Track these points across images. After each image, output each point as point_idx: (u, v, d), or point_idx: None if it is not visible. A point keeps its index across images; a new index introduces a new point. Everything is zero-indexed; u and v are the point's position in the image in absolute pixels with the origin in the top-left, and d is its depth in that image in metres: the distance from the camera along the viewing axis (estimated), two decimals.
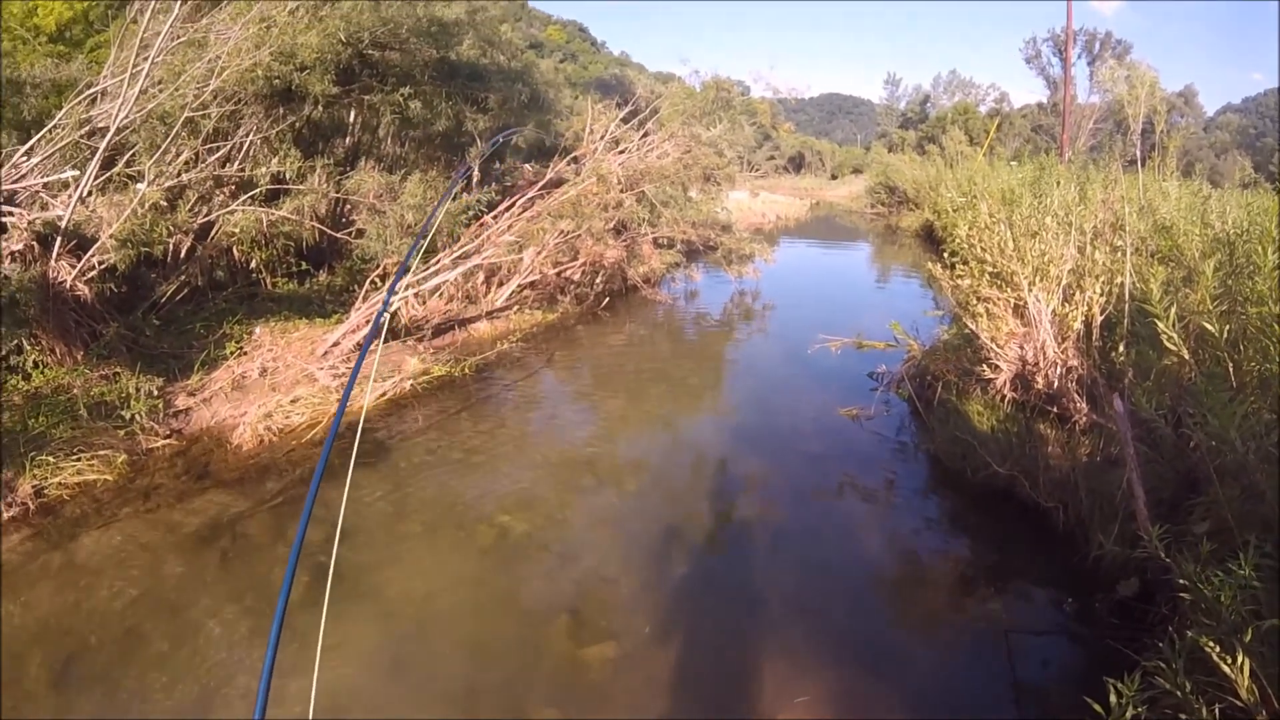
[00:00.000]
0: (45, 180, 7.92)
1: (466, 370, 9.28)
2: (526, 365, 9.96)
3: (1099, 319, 6.02)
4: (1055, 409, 6.04)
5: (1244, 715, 2.65)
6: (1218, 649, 2.67)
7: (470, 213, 10.99)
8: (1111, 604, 4.57)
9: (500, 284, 11.92)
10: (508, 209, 11.71)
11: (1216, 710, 2.69)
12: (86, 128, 8.17)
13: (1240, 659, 2.58)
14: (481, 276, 11.65)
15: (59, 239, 7.35)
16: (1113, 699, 2.63)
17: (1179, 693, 2.76)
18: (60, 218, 7.39)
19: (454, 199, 10.67)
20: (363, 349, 7.02)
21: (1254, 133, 69.87)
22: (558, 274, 12.36)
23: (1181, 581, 3.08)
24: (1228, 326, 4.22)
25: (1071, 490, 5.38)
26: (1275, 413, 3.44)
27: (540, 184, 12.37)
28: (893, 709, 3.99)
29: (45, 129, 8.24)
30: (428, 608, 4.79)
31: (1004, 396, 6.53)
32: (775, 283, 15.81)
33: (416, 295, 10.24)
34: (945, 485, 6.55)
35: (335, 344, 8.79)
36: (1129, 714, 2.59)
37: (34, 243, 7.20)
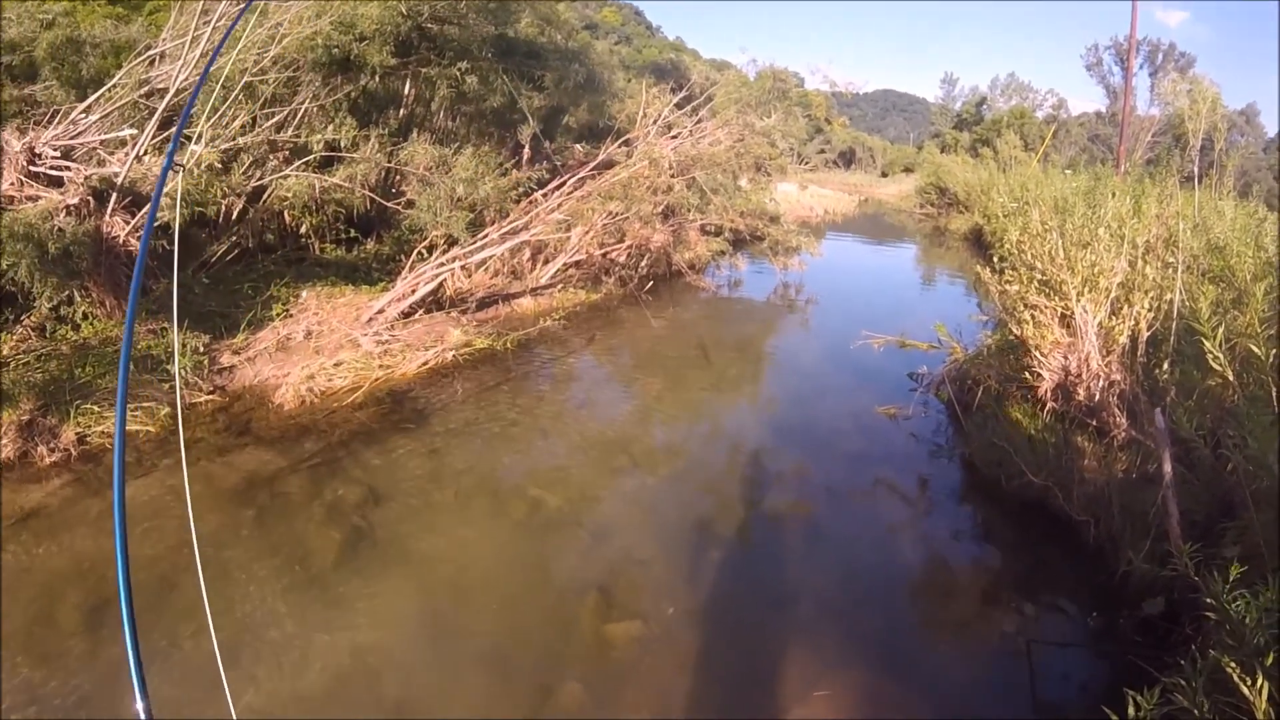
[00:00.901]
0: (103, 138, 8.08)
1: (508, 345, 9.35)
2: (567, 344, 10.01)
3: (1145, 334, 5.93)
4: (1094, 422, 5.96)
5: None
6: (1238, 670, 2.66)
7: (520, 189, 11.04)
8: (1136, 621, 4.53)
9: (546, 261, 11.98)
10: (557, 187, 11.77)
11: None
12: (145, 88, 8.32)
13: (1260, 682, 2.57)
14: (528, 253, 11.73)
15: (114, 195, 7.51)
16: (1130, 711, 2.62)
17: (1196, 710, 2.76)
18: (116, 174, 7.55)
19: (504, 175, 10.72)
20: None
21: None
22: (603, 255, 12.38)
23: (1208, 602, 3.06)
24: (1274, 351, 4.15)
25: (1104, 505, 5.32)
26: None
27: (591, 164, 12.41)
28: (912, 711, 4.00)
29: (104, 88, 8.40)
30: (459, 575, 4.87)
31: (1044, 406, 6.45)
32: (820, 277, 15.69)
33: (463, 268, 10.32)
34: (979, 491, 6.51)
35: (380, 311, 8.90)
36: None
37: (89, 197, 7.36)
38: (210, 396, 7.11)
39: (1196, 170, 7.79)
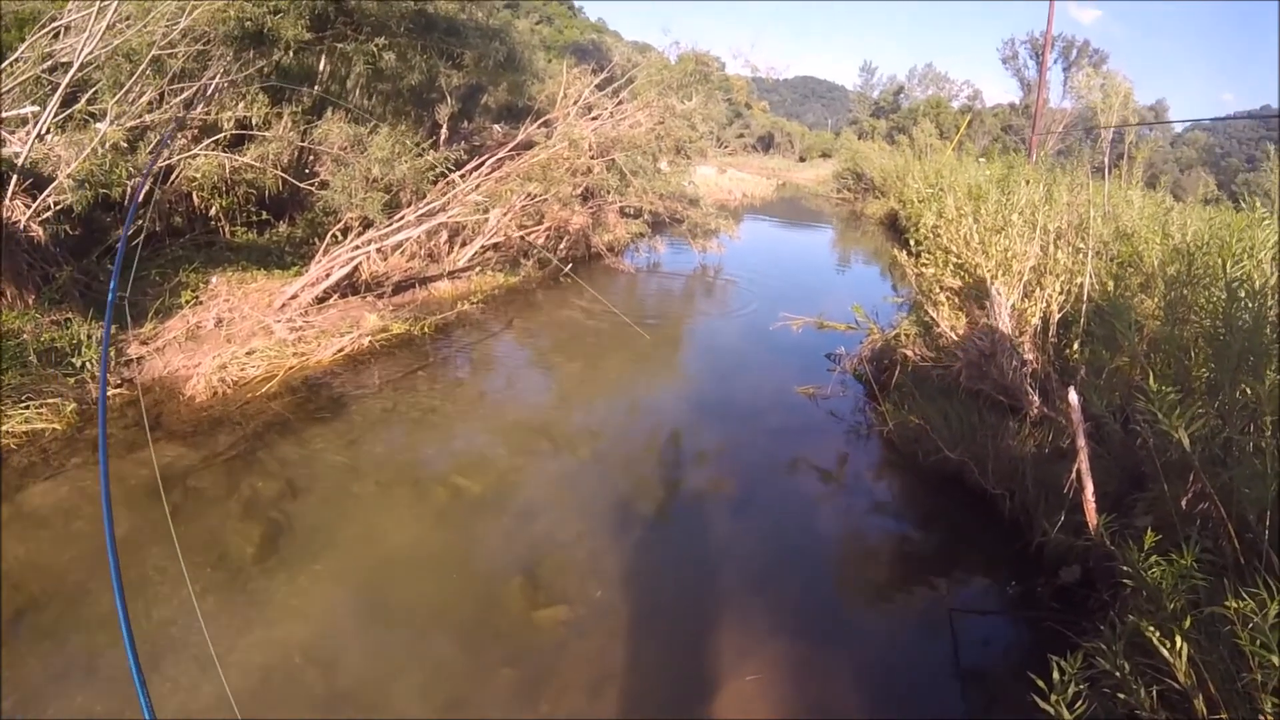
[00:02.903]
0: (3, 115, 7.68)
1: (426, 329, 9.21)
2: (486, 327, 9.91)
3: (1057, 316, 6.14)
4: (1007, 400, 6.14)
5: (1181, 697, 2.77)
6: (1158, 634, 2.78)
7: (438, 170, 10.86)
8: (1053, 589, 4.72)
9: (464, 244, 11.83)
10: (476, 168, 11.62)
11: (1154, 691, 2.80)
12: (49, 62, 7.93)
13: (1179, 644, 2.69)
14: (445, 235, 11.56)
15: (15, 177, 7.14)
16: (1055, 676, 2.72)
17: (1118, 673, 2.89)
18: (17, 154, 7.20)
19: (420, 155, 10.53)
20: None
21: (1219, 152, 71.26)
22: (522, 237, 12.29)
23: (1125, 570, 3.19)
24: (1180, 332, 4.34)
25: (1019, 479, 5.51)
26: (1222, 417, 3.54)
27: (510, 145, 12.27)
28: (840, 682, 4.09)
29: (5, 62, 7.98)
30: (382, 567, 4.79)
31: (959, 385, 6.62)
32: (738, 259, 15.83)
33: (379, 251, 10.12)
34: (897, 467, 6.67)
35: (293, 296, 8.68)
36: (1070, 691, 2.68)
37: None
38: (119, 390, 6.82)
39: (1107, 161, 8.07)
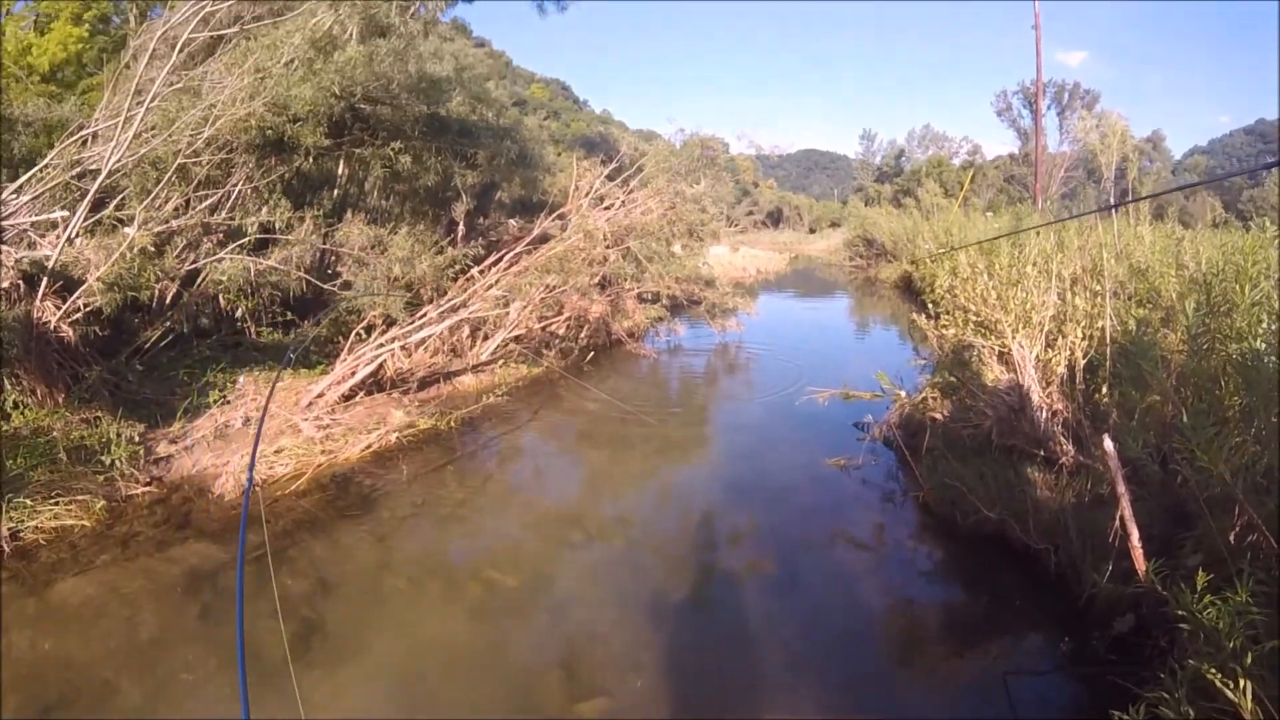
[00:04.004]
0: (34, 219, 7.92)
1: (452, 424, 9.23)
2: (512, 419, 9.91)
3: (1081, 362, 6.09)
4: (1042, 452, 6.06)
5: None
6: (1219, 675, 2.68)
7: (457, 266, 11.04)
8: (1108, 641, 4.55)
9: (485, 338, 11.92)
10: (494, 263, 11.80)
11: None
12: (77, 169, 8.21)
13: (1242, 683, 2.60)
14: (467, 330, 11.65)
15: (45, 279, 7.33)
16: None
17: None
18: (48, 257, 7.39)
19: (439, 253, 10.73)
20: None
21: (1221, 173, 71.35)
22: (543, 328, 12.38)
23: (1179, 613, 3.10)
24: (1208, 363, 4.29)
25: (1062, 531, 5.38)
26: (1260, 444, 3.48)
27: (526, 239, 12.49)
28: None
29: (36, 168, 8.27)
30: (417, 664, 4.70)
31: (991, 442, 6.55)
32: (758, 335, 15.85)
33: (403, 348, 10.22)
34: (935, 532, 6.53)
35: (320, 395, 8.75)
36: None
37: (20, 281, 7.19)
38: (147, 488, 6.87)
39: (1113, 200, 8.09)
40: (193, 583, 5.50)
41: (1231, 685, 2.63)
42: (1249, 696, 2.60)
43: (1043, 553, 5.44)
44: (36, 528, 5.94)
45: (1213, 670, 2.72)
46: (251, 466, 4.86)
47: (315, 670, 4.56)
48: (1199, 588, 2.98)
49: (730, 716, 4.25)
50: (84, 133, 8.68)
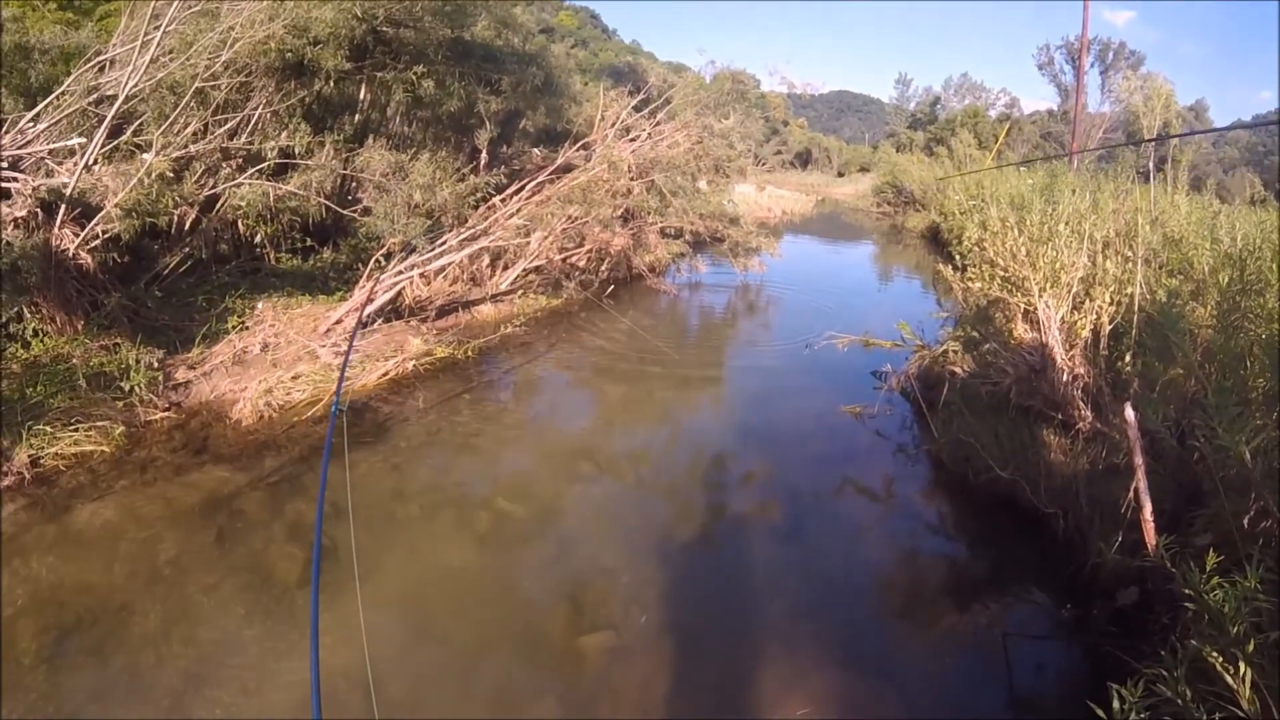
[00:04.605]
0: (51, 147, 7.88)
1: (469, 353, 9.24)
2: (529, 350, 9.92)
3: (1107, 328, 5.99)
4: (1059, 415, 6.01)
5: None
6: (1220, 659, 2.68)
7: (478, 194, 10.95)
8: (1110, 612, 4.55)
9: (505, 267, 11.88)
10: (516, 192, 11.69)
11: (1217, 719, 2.69)
12: (94, 95, 8.13)
13: (1243, 670, 2.60)
14: (487, 259, 11.61)
15: (63, 207, 7.31)
16: (1115, 704, 2.63)
17: (1180, 700, 2.77)
18: (65, 185, 7.36)
19: (461, 180, 10.64)
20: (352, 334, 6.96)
21: (1262, 150, 69.75)
22: (563, 260, 12.31)
23: (1186, 591, 3.08)
24: (1236, 341, 4.21)
25: (1072, 497, 5.36)
26: None
27: (549, 169, 12.34)
28: (890, 710, 3.99)
29: (52, 95, 8.20)
30: (426, 591, 4.78)
31: (1009, 401, 6.49)
32: (780, 277, 15.74)
33: (422, 275, 10.19)
34: (946, 487, 6.54)
35: (338, 321, 8.75)
36: (1130, 719, 2.58)
37: (38, 210, 7.17)
38: (166, 414, 6.92)
39: (1151, 166, 7.91)
40: (209, 507, 5.58)
41: (1232, 670, 2.63)
42: (1248, 683, 2.59)
43: (1052, 517, 5.43)
44: (56, 454, 6.01)
45: (1214, 653, 2.71)
46: (338, 395, 4.83)
47: (325, 593, 4.62)
48: (1208, 568, 2.96)
49: (730, 659, 4.30)
50: (101, 58, 8.60)
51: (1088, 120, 37.74)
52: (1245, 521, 3.65)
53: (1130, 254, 6.20)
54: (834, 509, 6.29)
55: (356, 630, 4.30)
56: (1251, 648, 2.68)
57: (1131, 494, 4.40)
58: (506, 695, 3.95)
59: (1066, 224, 6.67)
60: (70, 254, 7.32)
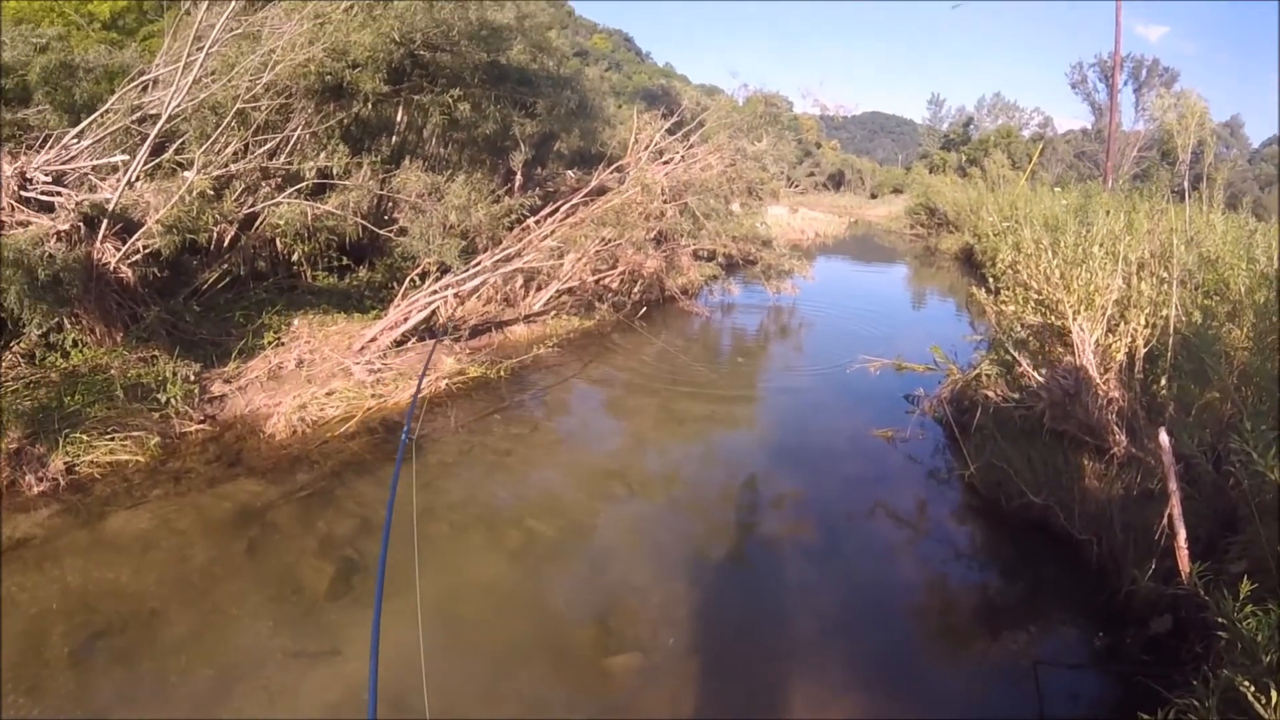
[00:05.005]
0: (95, 163, 8.07)
1: (502, 373, 9.29)
2: (561, 371, 9.95)
3: (1142, 351, 5.92)
4: (1093, 440, 5.93)
5: None
6: (1253, 688, 2.62)
7: (513, 216, 11.04)
8: (1143, 640, 4.48)
9: (539, 288, 11.94)
10: (550, 214, 11.76)
11: None
12: (137, 114, 8.32)
13: (1275, 699, 2.54)
14: (521, 280, 11.68)
15: (105, 221, 7.47)
16: None
17: None
18: (108, 200, 7.52)
19: (496, 202, 10.74)
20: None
21: None
22: (596, 281, 12.36)
23: (1219, 620, 3.02)
24: (1273, 363, 4.14)
25: (1106, 523, 5.28)
26: None
27: (583, 191, 12.43)
28: None
29: (97, 113, 8.40)
30: (455, 608, 4.79)
31: (1042, 425, 6.42)
32: (813, 300, 15.68)
33: (456, 295, 10.28)
34: (979, 513, 6.47)
35: (372, 339, 8.84)
36: None
37: (80, 224, 7.32)
38: (201, 426, 7.03)
39: (1186, 185, 7.83)
40: (241, 519, 5.65)
41: (1263, 700, 2.57)
42: None
43: (1085, 544, 5.35)
44: (92, 462, 6.11)
45: (1246, 682, 2.65)
46: (408, 426, 4.92)
47: (356, 608, 4.67)
48: (1241, 596, 2.91)
49: (758, 682, 4.27)
50: (144, 78, 8.80)
51: (1122, 139, 37.40)
52: None
53: (1165, 275, 6.13)
54: (865, 532, 6.25)
55: (391, 643, 4.33)
56: None
57: (1166, 520, 4.33)
58: (533, 715, 3.94)
59: (1101, 245, 6.61)
60: (111, 267, 7.47)
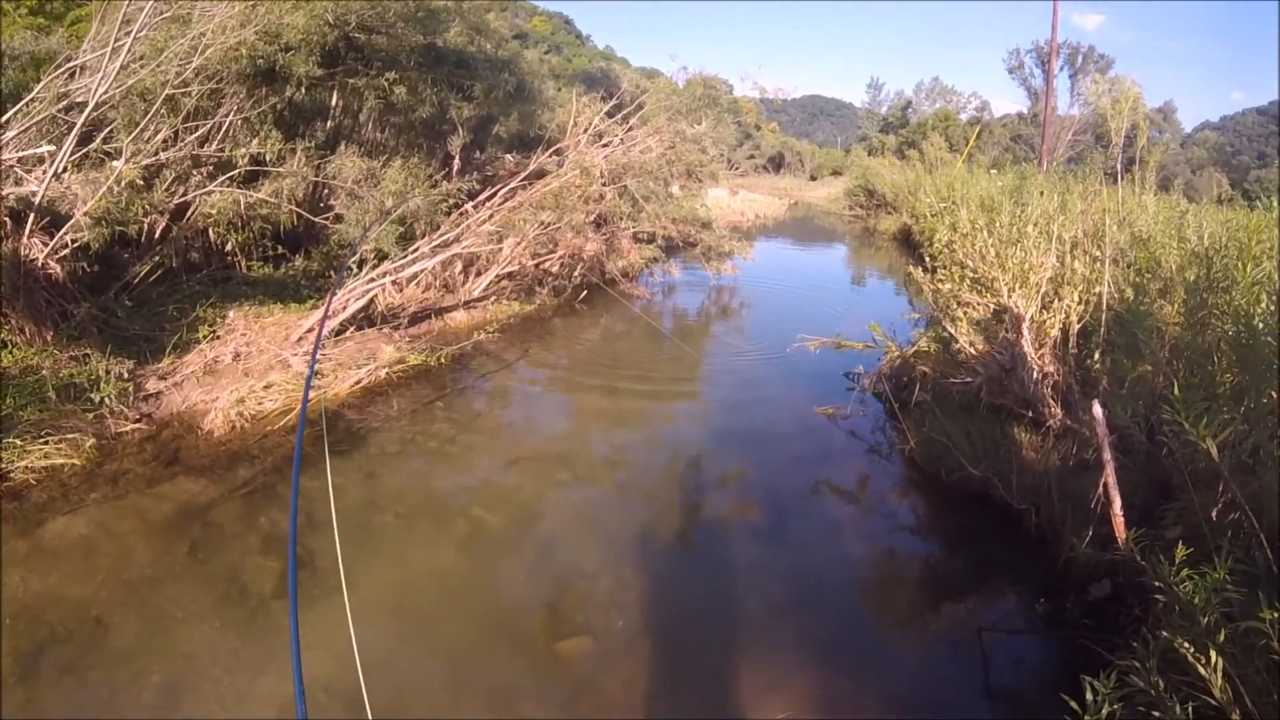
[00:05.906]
0: (20, 155, 7.78)
1: (442, 360, 9.20)
2: (503, 357, 9.89)
3: (1076, 327, 6.08)
4: (1030, 413, 6.08)
5: (1217, 714, 2.71)
6: (1192, 649, 2.72)
7: (451, 201, 10.93)
8: (1083, 605, 4.64)
9: (478, 274, 11.84)
10: (488, 199, 11.68)
11: (1190, 709, 2.73)
12: (64, 102, 8.04)
13: (1214, 659, 2.64)
14: (460, 266, 11.58)
15: (32, 215, 7.20)
16: (1088, 696, 2.67)
17: (1153, 691, 2.82)
18: (34, 193, 7.27)
19: (434, 186, 10.62)
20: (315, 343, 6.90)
21: (1230, 150, 71.11)
22: (536, 265, 12.31)
23: (1156, 584, 3.13)
24: (1202, 338, 4.29)
25: (1044, 493, 5.44)
26: (1249, 423, 3.49)
27: (522, 175, 12.36)
28: (870, 708, 4.02)
29: (22, 102, 8.10)
30: (404, 600, 4.76)
31: (979, 400, 6.56)
32: (753, 281, 15.82)
33: (394, 282, 10.16)
34: (920, 486, 6.60)
35: (310, 330, 8.69)
36: (1104, 711, 2.62)
37: (6, 219, 7.05)
38: (137, 425, 6.83)
39: (1119, 167, 8.03)
40: (183, 519, 5.53)
41: (1203, 660, 2.67)
42: (1220, 672, 2.64)
43: (1024, 513, 5.51)
44: (27, 467, 5.91)
45: (1186, 644, 2.75)
46: (304, 403, 4.85)
47: (304, 605, 4.59)
48: (1177, 560, 3.01)
49: (710, 662, 4.31)
50: (71, 64, 8.49)
51: (1057, 123, 38.21)
52: (1214, 514, 3.72)
53: (1099, 254, 6.29)
54: (810, 509, 6.34)
55: (338, 640, 4.29)
56: (1222, 637, 2.72)
57: (1101, 489, 4.46)
58: (484, 702, 3.95)
59: (1035, 225, 6.76)
60: (39, 263, 7.23)
